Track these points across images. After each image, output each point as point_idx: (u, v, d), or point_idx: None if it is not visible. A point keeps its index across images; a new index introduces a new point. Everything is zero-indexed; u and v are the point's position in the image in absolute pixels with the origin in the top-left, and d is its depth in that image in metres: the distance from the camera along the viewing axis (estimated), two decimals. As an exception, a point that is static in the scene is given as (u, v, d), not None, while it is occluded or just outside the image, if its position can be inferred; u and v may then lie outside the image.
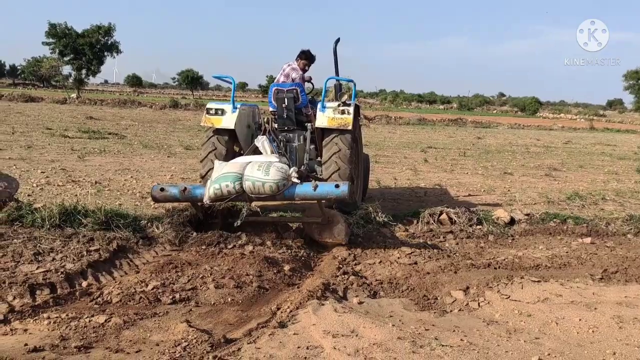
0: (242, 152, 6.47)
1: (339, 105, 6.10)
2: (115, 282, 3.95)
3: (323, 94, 6.37)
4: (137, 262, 4.52)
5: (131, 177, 8.55)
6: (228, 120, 6.12)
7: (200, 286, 3.90)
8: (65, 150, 11.26)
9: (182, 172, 9.46)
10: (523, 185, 10.40)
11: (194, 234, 5.24)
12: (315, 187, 5.08)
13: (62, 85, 49.26)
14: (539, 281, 4.47)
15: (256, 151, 6.00)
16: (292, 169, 5.29)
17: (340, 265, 4.90)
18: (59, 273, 3.90)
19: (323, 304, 3.72)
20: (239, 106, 6.28)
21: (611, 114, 79.36)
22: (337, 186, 5.06)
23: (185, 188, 5.21)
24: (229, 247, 5.06)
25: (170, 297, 3.68)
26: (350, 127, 6.03)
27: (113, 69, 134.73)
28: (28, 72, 76.62)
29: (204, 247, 4.89)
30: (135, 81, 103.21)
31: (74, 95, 38.97)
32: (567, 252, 5.52)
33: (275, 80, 6.81)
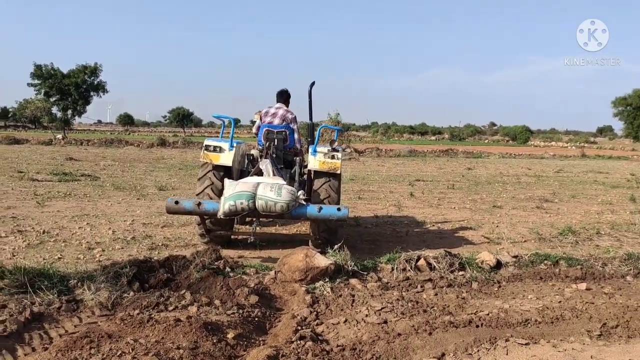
0: None
1: (329, 151, 6.59)
2: (13, 364, 3.24)
3: (317, 139, 6.92)
4: (52, 334, 3.81)
5: (87, 223, 7.87)
6: (226, 158, 6.58)
7: (115, 367, 3.20)
8: (27, 195, 10.58)
9: (146, 216, 8.79)
10: (512, 220, 9.79)
11: (131, 294, 4.56)
12: (320, 209, 5.78)
13: (49, 126, 48.80)
14: (527, 343, 3.79)
15: (259, 172, 6.60)
16: (300, 192, 5.97)
17: (299, 327, 4.20)
18: (-59, 356, 3.21)
19: (263, 387, 3.04)
20: (235, 144, 6.68)
21: (602, 141, 79.67)
22: (338, 209, 5.79)
23: (200, 203, 5.77)
24: (170, 308, 4.38)
25: (71, 385, 2.98)
26: (339, 171, 6.65)
27: (107, 109, 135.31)
28: (19, 114, 76.40)
29: (137, 311, 4.18)
30: (127, 120, 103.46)
31: (59, 136, 38.44)
32: (560, 302, 4.84)
33: (266, 122, 7.22)
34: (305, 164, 7.29)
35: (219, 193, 6.36)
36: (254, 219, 6.46)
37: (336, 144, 6.89)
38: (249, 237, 6.20)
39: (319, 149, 6.65)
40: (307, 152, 7.09)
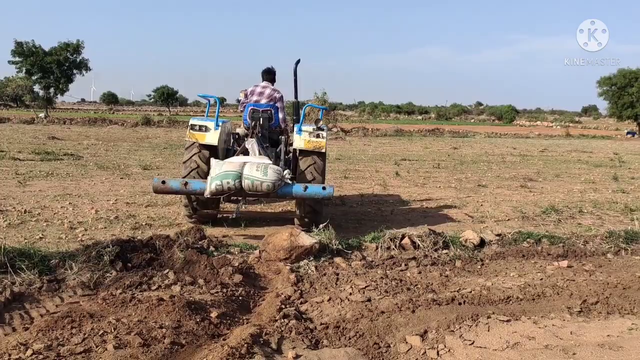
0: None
1: (314, 130, 6.61)
2: (-8, 344, 3.21)
3: (302, 119, 6.96)
4: (33, 314, 3.77)
5: (69, 203, 7.78)
6: (212, 137, 6.56)
7: (97, 347, 3.17)
8: (8, 174, 10.41)
9: (129, 195, 8.71)
10: (497, 199, 9.86)
11: (114, 273, 4.53)
12: (305, 188, 5.88)
13: (31, 105, 47.95)
14: (508, 320, 3.84)
15: (245, 152, 6.60)
16: (286, 171, 6.01)
17: (283, 306, 4.21)
18: None
19: (246, 365, 3.04)
20: (220, 123, 6.68)
21: (586, 120, 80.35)
22: (324, 188, 5.91)
23: (187, 182, 5.85)
24: (153, 288, 4.36)
25: (52, 365, 2.95)
26: (324, 150, 6.67)
27: (90, 88, 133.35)
28: (0, 92, 74.91)
29: (119, 291, 4.15)
30: (111, 99, 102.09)
31: (42, 114, 37.87)
32: (541, 280, 4.90)
33: (253, 100, 7.16)
34: (290, 142, 7.25)
35: (205, 172, 6.33)
36: (241, 198, 6.44)
37: (321, 123, 6.87)
38: (233, 213, 6.40)
39: (304, 128, 6.65)
40: (293, 131, 7.04)
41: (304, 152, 6.67)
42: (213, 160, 6.07)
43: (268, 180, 5.68)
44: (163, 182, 5.82)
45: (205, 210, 6.62)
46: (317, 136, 6.59)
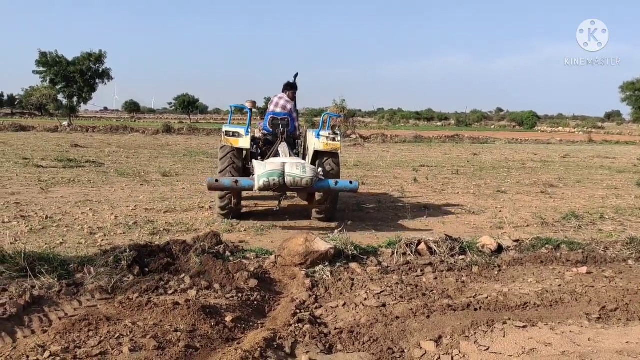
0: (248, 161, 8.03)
1: (330, 134, 7.57)
2: (12, 346, 3.27)
3: (320, 125, 7.90)
4: (52, 317, 3.84)
5: (90, 209, 7.91)
6: (244, 142, 7.56)
7: (112, 350, 3.22)
8: (31, 181, 10.63)
9: (148, 201, 8.82)
10: (516, 205, 9.75)
11: (131, 278, 4.58)
12: (336, 182, 6.88)
13: (55, 113, 48.90)
14: (524, 326, 3.78)
15: (276, 153, 7.71)
16: (320, 169, 7.03)
17: (298, 310, 4.22)
18: (-59, 339, 3.23)
19: (259, 369, 3.05)
20: (250, 130, 7.67)
21: (609, 126, 79.00)
22: (351, 182, 6.93)
23: (237, 180, 6.73)
24: (169, 292, 4.41)
25: (68, 367, 2.99)
26: (339, 151, 7.70)
27: (113, 96, 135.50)
28: (25, 101, 76.48)
29: (136, 295, 4.20)
30: (133, 107, 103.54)
31: (65, 123, 38.58)
32: (559, 286, 4.83)
33: (270, 110, 8.33)
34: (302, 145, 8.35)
35: (240, 172, 7.51)
36: (281, 194, 7.23)
37: (337, 128, 7.64)
38: (276, 206, 7.35)
39: (322, 133, 7.59)
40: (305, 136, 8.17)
41: (323, 153, 7.60)
42: (255, 162, 7.11)
43: (307, 177, 6.55)
44: (216, 180, 6.67)
45: (239, 206, 7.66)
46: (333, 139, 7.57)
